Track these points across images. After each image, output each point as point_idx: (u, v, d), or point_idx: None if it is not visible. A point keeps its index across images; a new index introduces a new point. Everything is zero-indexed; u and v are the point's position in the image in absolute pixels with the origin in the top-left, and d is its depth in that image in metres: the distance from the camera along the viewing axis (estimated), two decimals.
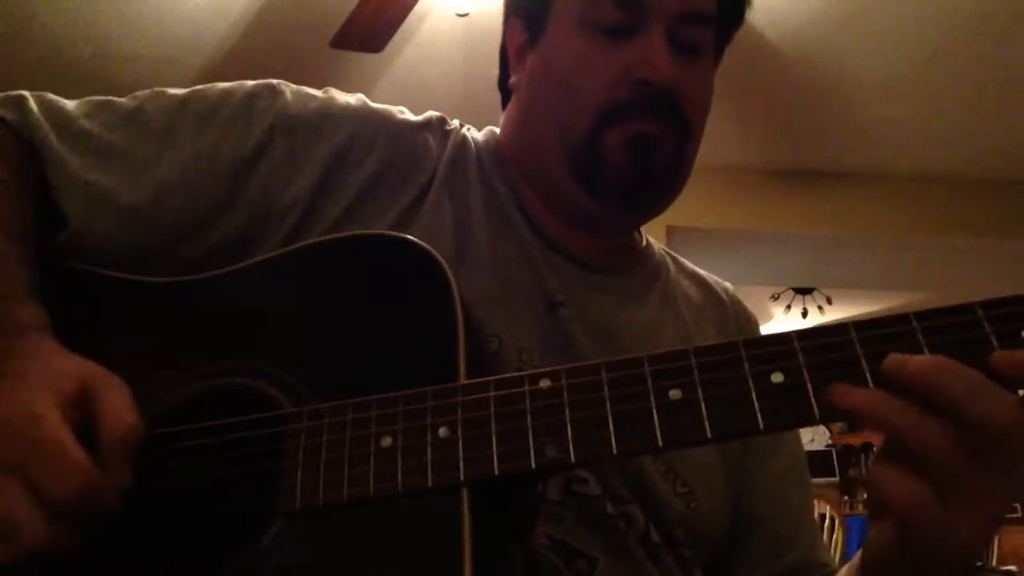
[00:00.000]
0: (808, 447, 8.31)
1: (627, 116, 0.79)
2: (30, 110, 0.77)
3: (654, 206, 0.86)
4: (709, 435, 0.52)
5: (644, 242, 0.95)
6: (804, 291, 6.45)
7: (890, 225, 4.46)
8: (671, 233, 4.18)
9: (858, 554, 0.62)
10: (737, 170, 4.35)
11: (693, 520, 0.77)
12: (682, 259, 0.99)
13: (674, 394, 0.53)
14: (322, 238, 0.70)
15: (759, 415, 0.52)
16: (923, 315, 0.53)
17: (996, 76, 3.52)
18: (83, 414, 0.58)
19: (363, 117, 0.82)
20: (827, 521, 4.48)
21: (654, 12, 0.78)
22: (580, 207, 0.83)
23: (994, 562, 6.53)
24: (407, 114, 0.87)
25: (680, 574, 0.77)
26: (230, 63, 3.40)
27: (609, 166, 0.79)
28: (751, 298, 6.40)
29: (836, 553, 4.10)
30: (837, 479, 7.96)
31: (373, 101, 0.86)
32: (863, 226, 4.46)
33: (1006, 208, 4.43)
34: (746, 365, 0.53)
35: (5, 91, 0.80)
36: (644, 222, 0.91)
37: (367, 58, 3.24)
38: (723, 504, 0.82)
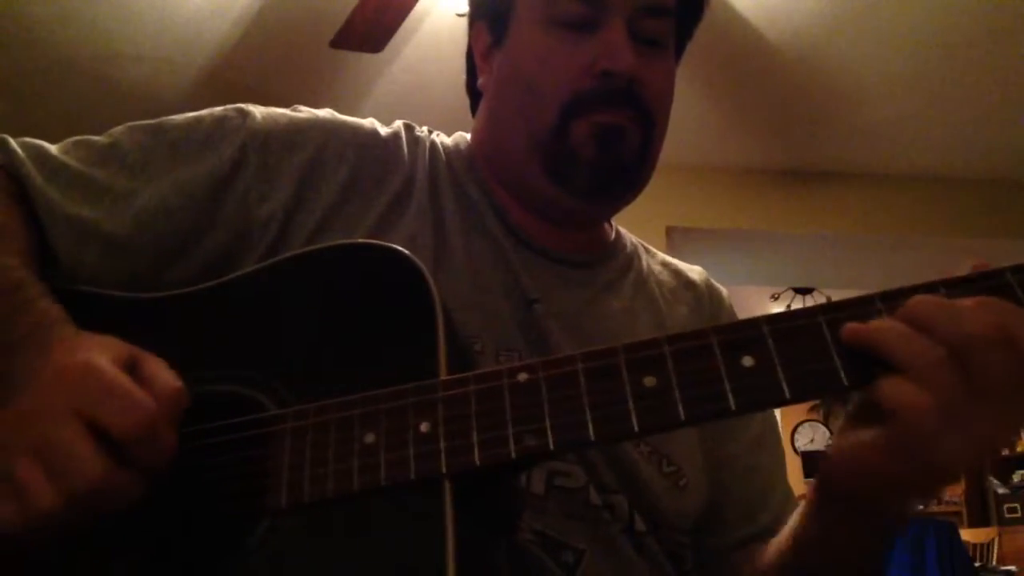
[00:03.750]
0: (808, 447, 8.32)
1: (591, 108, 0.81)
2: (12, 149, 0.78)
3: (623, 196, 0.88)
4: (683, 418, 0.54)
5: (614, 233, 0.97)
6: (804, 291, 6.45)
7: (890, 225, 4.47)
8: (671, 233, 4.19)
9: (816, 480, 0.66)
10: (737, 170, 4.35)
11: (683, 497, 0.80)
12: (653, 249, 1.02)
13: (648, 381, 0.55)
14: (305, 249, 0.71)
15: (731, 397, 0.53)
16: (888, 295, 0.54)
17: (996, 76, 3.52)
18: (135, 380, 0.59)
19: (332, 129, 0.84)
20: None
21: (614, 5, 0.81)
22: (552, 202, 0.85)
23: (994, 562, 6.54)
24: (376, 124, 0.89)
25: (665, 560, 0.79)
26: (230, 63, 3.40)
27: (579, 159, 0.81)
28: (751, 298, 6.40)
29: None
30: None
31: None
32: (863, 226, 4.47)
33: (1006, 208, 4.43)
34: (717, 350, 0.54)
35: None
36: (613, 213, 0.94)
37: (367, 58, 3.24)
38: (704, 475, 0.84)
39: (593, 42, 0.81)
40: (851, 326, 0.53)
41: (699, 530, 0.85)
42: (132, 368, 0.59)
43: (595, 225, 0.94)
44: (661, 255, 1.01)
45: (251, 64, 3.37)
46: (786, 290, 6.46)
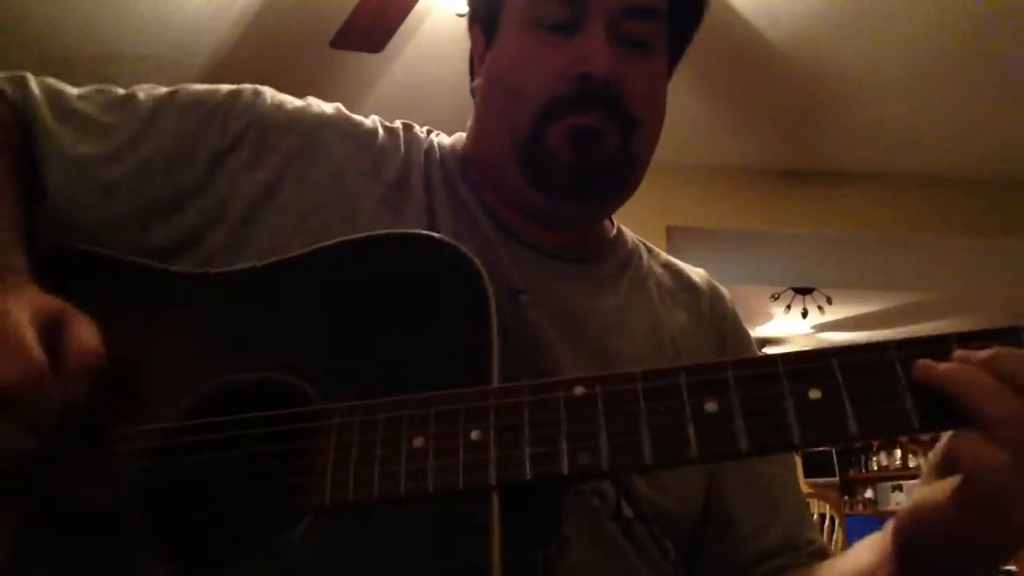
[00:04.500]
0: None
1: (567, 111, 0.80)
2: (30, 87, 0.82)
3: (604, 199, 0.87)
4: (745, 449, 0.52)
5: (615, 230, 0.96)
6: (804, 291, 6.44)
7: (890, 225, 4.47)
8: (671, 233, 4.18)
9: (888, 523, 0.63)
10: (737, 170, 4.35)
11: (663, 497, 0.79)
12: (657, 249, 1.01)
13: (710, 407, 0.53)
14: (352, 236, 0.70)
15: (796, 430, 0.51)
16: (966, 337, 0.53)
17: (996, 76, 3.52)
18: (52, 338, 0.60)
19: (333, 123, 0.86)
20: (827, 521, 4.48)
21: (595, 7, 0.80)
22: (532, 204, 0.85)
23: None
24: (378, 123, 0.90)
25: (654, 546, 0.78)
26: (230, 63, 3.40)
27: (555, 161, 0.81)
28: (751, 298, 6.40)
29: (836, 553, 4.09)
30: (837, 479, 7.96)
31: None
32: (863, 226, 4.46)
33: (1006, 208, 4.43)
34: (784, 381, 0.53)
35: None
36: (602, 215, 0.94)
37: (367, 58, 3.24)
38: (693, 485, 0.83)
39: (573, 45, 0.80)
40: (926, 364, 0.51)
41: (708, 540, 0.84)
42: (54, 326, 0.59)
43: (586, 225, 0.93)
44: (664, 256, 1.00)
45: (251, 64, 3.38)
46: (786, 290, 6.45)
